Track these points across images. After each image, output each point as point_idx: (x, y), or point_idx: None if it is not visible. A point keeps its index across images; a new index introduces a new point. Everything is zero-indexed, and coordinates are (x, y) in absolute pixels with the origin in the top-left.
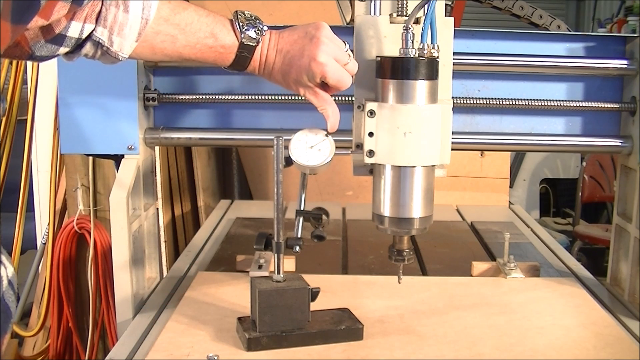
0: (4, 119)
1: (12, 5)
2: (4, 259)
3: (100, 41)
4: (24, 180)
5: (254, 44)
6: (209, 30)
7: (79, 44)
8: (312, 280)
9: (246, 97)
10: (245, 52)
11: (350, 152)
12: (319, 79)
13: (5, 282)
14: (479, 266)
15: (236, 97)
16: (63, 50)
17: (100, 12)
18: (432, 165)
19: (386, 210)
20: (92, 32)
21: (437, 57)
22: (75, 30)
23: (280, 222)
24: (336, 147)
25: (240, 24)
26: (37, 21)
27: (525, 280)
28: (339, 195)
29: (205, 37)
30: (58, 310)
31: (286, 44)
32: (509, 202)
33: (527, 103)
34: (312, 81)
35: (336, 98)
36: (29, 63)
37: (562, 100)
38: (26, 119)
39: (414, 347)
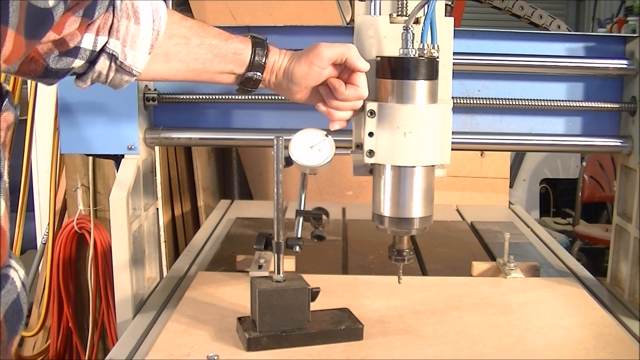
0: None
1: (26, 20)
2: (13, 262)
3: (114, 53)
4: (24, 180)
5: (264, 38)
6: (217, 31)
7: (92, 60)
8: (312, 280)
9: (246, 97)
10: (258, 40)
11: (350, 152)
12: (332, 57)
13: (19, 284)
14: (479, 266)
15: (236, 97)
16: (78, 62)
17: (112, 24)
18: (432, 165)
19: (386, 210)
20: (105, 44)
21: (437, 57)
22: (88, 42)
23: (280, 222)
24: (336, 147)
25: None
26: (50, 35)
27: (525, 280)
28: (339, 195)
29: (218, 33)
30: (58, 310)
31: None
32: (509, 202)
33: (527, 103)
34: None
35: None
36: None
37: (562, 100)
38: (26, 119)
39: (414, 347)
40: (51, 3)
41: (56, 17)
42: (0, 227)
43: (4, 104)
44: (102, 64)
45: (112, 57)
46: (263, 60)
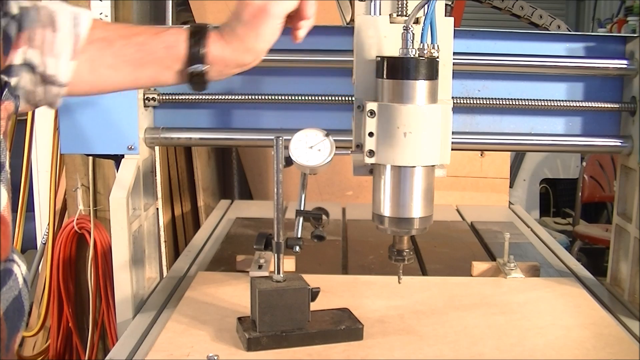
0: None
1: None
2: (16, 257)
3: (31, 63)
4: (24, 180)
5: (205, 25)
6: (145, 28)
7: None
8: (312, 280)
9: (246, 97)
10: (196, 29)
11: (350, 152)
12: (289, 10)
13: (21, 280)
14: (479, 266)
15: (236, 97)
16: (14, 81)
17: (29, 36)
18: (432, 165)
19: (386, 210)
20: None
21: (437, 57)
22: (18, 57)
23: (280, 222)
24: (336, 147)
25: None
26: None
27: (525, 280)
28: (339, 195)
29: (145, 30)
30: (58, 310)
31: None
32: (509, 202)
33: (527, 103)
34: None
35: (336, 98)
36: None
37: (562, 100)
38: (26, 119)
39: (414, 347)
40: (3, 22)
41: (12, 36)
42: (2, 217)
43: (4, 93)
44: (25, 78)
45: (31, 68)
46: (201, 51)
